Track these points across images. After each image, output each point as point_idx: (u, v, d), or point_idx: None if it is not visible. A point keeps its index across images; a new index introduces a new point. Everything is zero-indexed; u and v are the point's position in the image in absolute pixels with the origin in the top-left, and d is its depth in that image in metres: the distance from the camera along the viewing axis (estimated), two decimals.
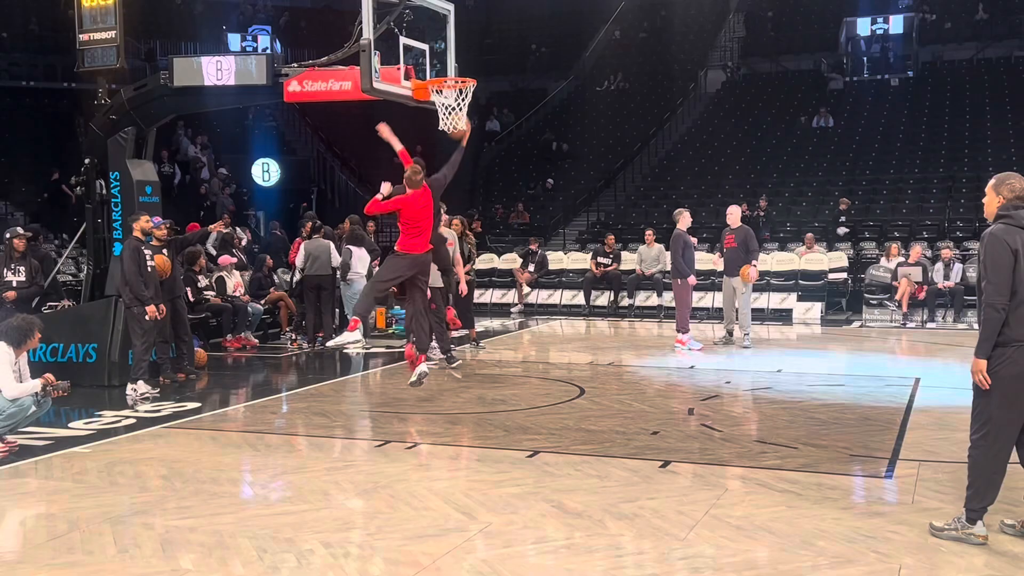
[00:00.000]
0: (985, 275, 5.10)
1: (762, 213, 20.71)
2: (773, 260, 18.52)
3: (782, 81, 30.29)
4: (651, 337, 15.65)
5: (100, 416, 8.98)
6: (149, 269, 10.17)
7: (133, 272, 9.99)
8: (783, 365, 12.36)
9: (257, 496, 6.54)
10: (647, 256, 18.40)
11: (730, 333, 13.64)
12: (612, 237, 19.88)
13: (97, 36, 10.89)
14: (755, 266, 13.33)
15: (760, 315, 16.98)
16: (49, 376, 7.64)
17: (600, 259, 19.17)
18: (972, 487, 5.18)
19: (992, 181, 5.33)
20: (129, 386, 9.95)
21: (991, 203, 5.28)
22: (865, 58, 29.63)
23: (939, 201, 21.69)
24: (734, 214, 13.59)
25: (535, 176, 27.57)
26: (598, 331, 16.69)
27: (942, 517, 5.43)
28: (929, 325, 16.39)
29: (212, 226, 13.10)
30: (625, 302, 18.73)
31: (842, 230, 20.49)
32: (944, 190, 22.11)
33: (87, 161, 11.27)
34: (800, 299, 17.74)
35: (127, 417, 8.96)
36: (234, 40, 28.83)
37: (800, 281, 18.08)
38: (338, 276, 14.05)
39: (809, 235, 19.17)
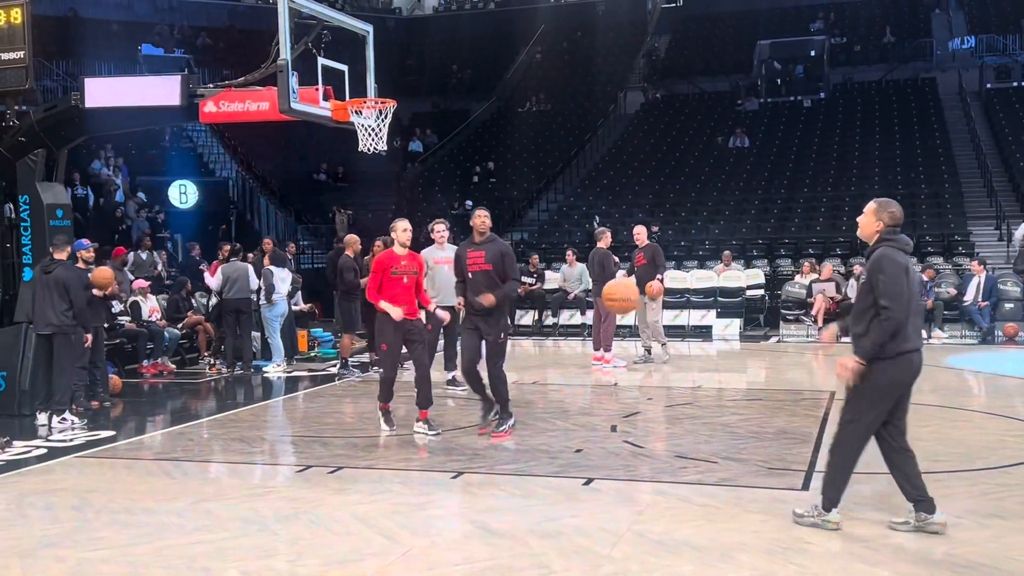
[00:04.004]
0: (885, 291, 5.43)
1: (657, 233, 20.93)
2: (692, 277, 18.78)
3: (699, 102, 30.91)
4: (575, 355, 15.74)
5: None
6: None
7: (83, 299, 9.77)
8: (703, 381, 12.55)
9: (173, 525, 6.37)
10: (570, 276, 18.51)
11: (648, 350, 13.79)
12: (536, 256, 19.97)
13: (4, 56, 10.60)
14: (660, 280, 13.54)
15: (680, 332, 17.22)
16: None
17: (524, 278, 19.21)
18: (830, 475, 5.70)
19: (874, 204, 5.66)
20: (57, 418, 9.55)
21: (870, 224, 5.63)
22: (779, 80, 30.42)
23: (851, 219, 22.19)
24: (640, 234, 13.89)
25: (459, 196, 27.60)
26: (523, 350, 16.71)
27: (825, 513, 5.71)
28: (844, 339, 16.71)
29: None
30: (549, 321, 18.81)
31: None
32: (856, 208, 22.29)
33: None
34: (719, 316, 18.01)
35: (38, 447, 8.68)
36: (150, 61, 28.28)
37: (719, 298, 18.37)
38: (257, 298, 13.81)
39: (726, 252, 19.51)
